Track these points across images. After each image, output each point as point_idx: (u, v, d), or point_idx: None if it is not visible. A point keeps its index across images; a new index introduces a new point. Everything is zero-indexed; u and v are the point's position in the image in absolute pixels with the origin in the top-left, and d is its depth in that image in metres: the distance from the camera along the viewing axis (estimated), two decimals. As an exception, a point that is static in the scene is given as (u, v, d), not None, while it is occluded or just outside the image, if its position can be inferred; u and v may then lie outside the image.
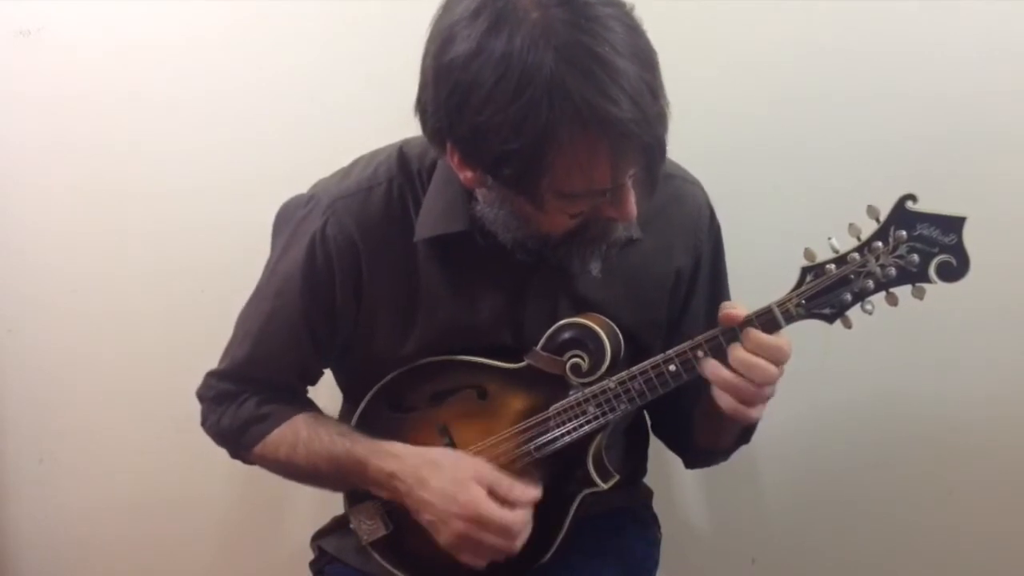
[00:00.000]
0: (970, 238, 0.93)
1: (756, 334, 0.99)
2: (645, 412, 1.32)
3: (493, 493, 1.06)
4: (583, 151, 0.90)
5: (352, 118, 1.52)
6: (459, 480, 1.07)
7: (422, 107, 0.98)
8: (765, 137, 1.47)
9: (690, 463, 1.31)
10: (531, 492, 1.07)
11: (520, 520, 1.06)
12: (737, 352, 0.99)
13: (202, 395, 1.25)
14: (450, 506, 1.06)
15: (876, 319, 0.97)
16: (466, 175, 1.00)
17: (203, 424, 1.25)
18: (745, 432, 1.18)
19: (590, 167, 0.92)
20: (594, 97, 0.86)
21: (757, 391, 1.00)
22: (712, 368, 1.01)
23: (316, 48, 1.53)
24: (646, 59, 0.90)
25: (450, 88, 0.91)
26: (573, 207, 0.98)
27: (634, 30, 0.91)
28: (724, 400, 1.01)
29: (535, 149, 0.89)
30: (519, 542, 1.06)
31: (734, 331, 1.00)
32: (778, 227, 1.47)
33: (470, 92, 0.89)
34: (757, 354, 0.99)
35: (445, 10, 0.94)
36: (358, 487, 1.16)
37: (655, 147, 0.93)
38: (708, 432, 1.18)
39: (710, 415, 1.06)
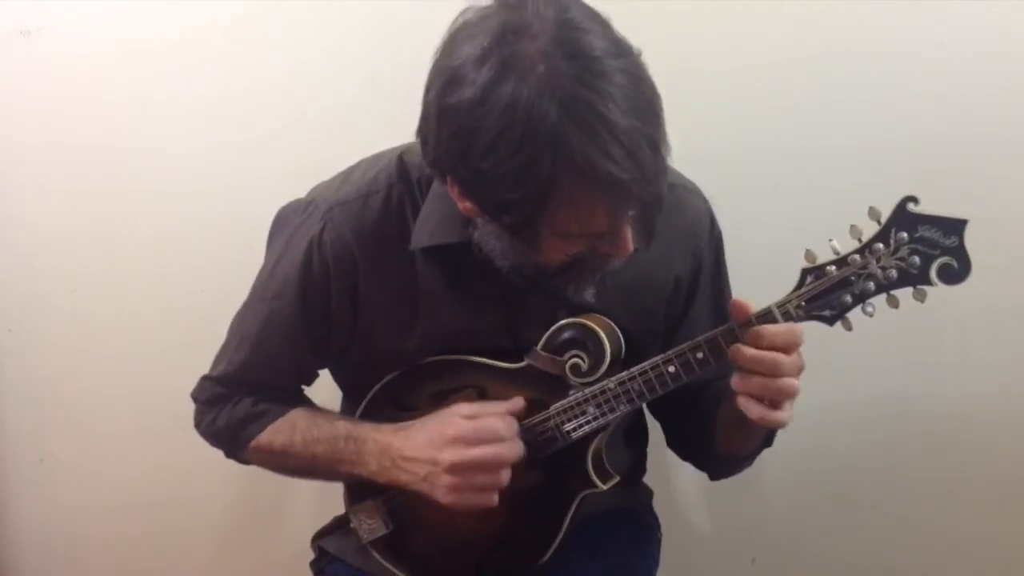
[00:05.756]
0: (970, 238, 0.93)
1: (760, 328, 0.98)
2: (658, 423, 1.32)
3: (474, 417, 1.08)
4: (583, 204, 0.91)
5: (352, 120, 1.52)
6: (440, 419, 1.09)
7: (423, 137, 0.98)
8: (765, 137, 1.47)
9: (715, 474, 1.28)
10: (513, 402, 1.10)
11: (502, 424, 1.07)
12: (743, 351, 0.99)
13: (196, 397, 1.25)
14: (436, 438, 1.07)
15: (876, 318, 0.96)
16: (465, 206, 1.00)
17: (197, 426, 1.25)
18: (769, 434, 1.17)
19: (589, 217, 0.92)
20: (595, 155, 0.86)
21: (776, 385, 0.98)
22: (734, 352, 1.00)
23: (316, 49, 1.53)
24: (649, 112, 0.90)
25: (453, 130, 0.91)
26: (570, 247, 0.98)
27: (639, 80, 0.90)
28: (749, 408, 1.00)
29: (536, 199, 0.90)
30: (511, 447, 1.07)
31: (733, 332, 1.00)
32: (778, 227, 1.47)
33: (473, 138, 0.89)
34: (762, 347, 0.98)
35: (451, 45, 0.93)
36: (351, 472, 1.16)
37: (653, 203, 0.94)
38: (733, 439, 1.16)
39: (733, 421, 1.06)
